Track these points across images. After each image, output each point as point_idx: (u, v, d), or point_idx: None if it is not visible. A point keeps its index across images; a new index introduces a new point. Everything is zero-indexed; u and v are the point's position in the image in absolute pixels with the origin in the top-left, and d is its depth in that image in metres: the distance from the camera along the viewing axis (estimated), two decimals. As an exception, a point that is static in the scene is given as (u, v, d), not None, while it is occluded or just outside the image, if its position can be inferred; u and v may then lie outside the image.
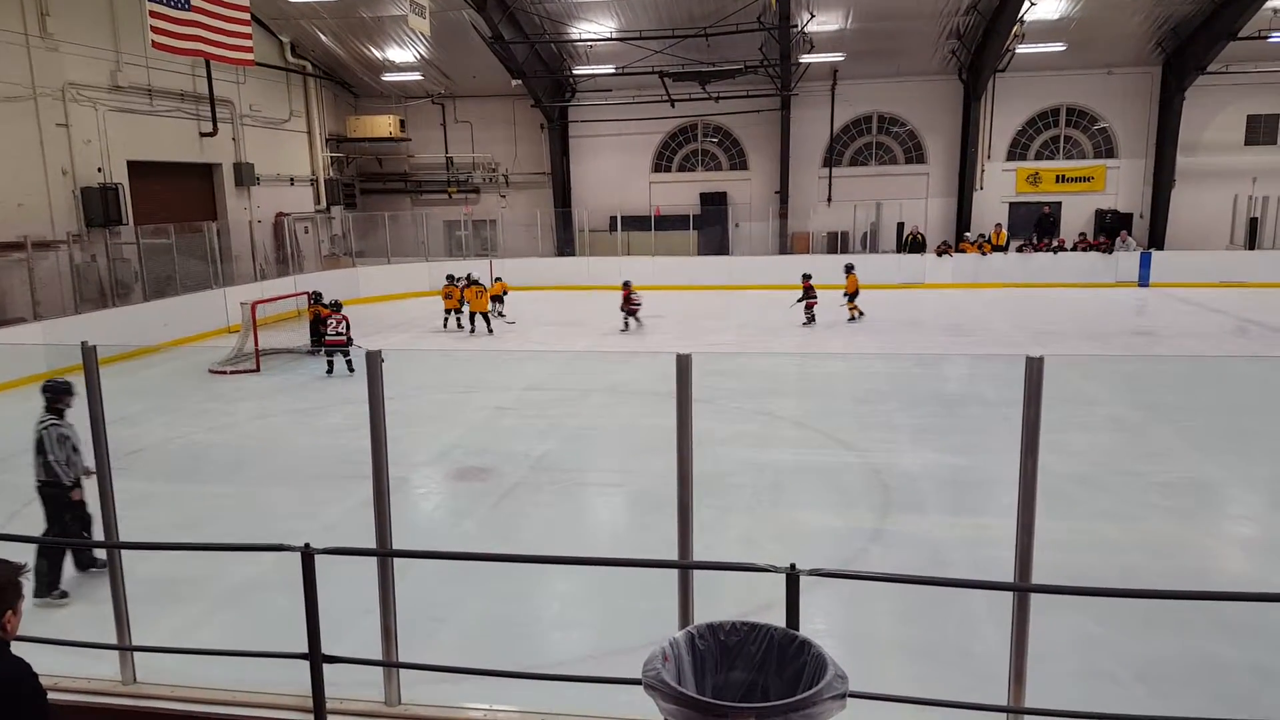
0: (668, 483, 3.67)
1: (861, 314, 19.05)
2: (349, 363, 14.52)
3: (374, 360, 3.59)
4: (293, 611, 3.72)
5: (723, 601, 5.70)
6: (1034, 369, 2.84)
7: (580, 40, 25.09)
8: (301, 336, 16.65)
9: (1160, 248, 25.17)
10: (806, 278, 18.88)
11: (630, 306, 18.93)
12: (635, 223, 28.00)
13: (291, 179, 26.03)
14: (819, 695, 2.08)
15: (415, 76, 27.59)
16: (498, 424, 11.71)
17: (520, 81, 25.63)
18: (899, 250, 26.28)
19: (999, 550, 3.47)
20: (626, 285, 19.28)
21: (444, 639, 5.94)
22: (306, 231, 26.35)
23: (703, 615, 2.80)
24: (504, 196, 29.54)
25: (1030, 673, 3.32)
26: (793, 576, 2.95)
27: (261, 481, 9.62)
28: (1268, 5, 21.15)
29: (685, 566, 3.10)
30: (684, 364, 3.04)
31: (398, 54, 26.36)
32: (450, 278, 19.82)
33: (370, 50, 26.26)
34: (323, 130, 27.31)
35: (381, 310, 21.92)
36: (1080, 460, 9.33)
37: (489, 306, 19.08)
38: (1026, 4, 21.36)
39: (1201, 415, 11.44)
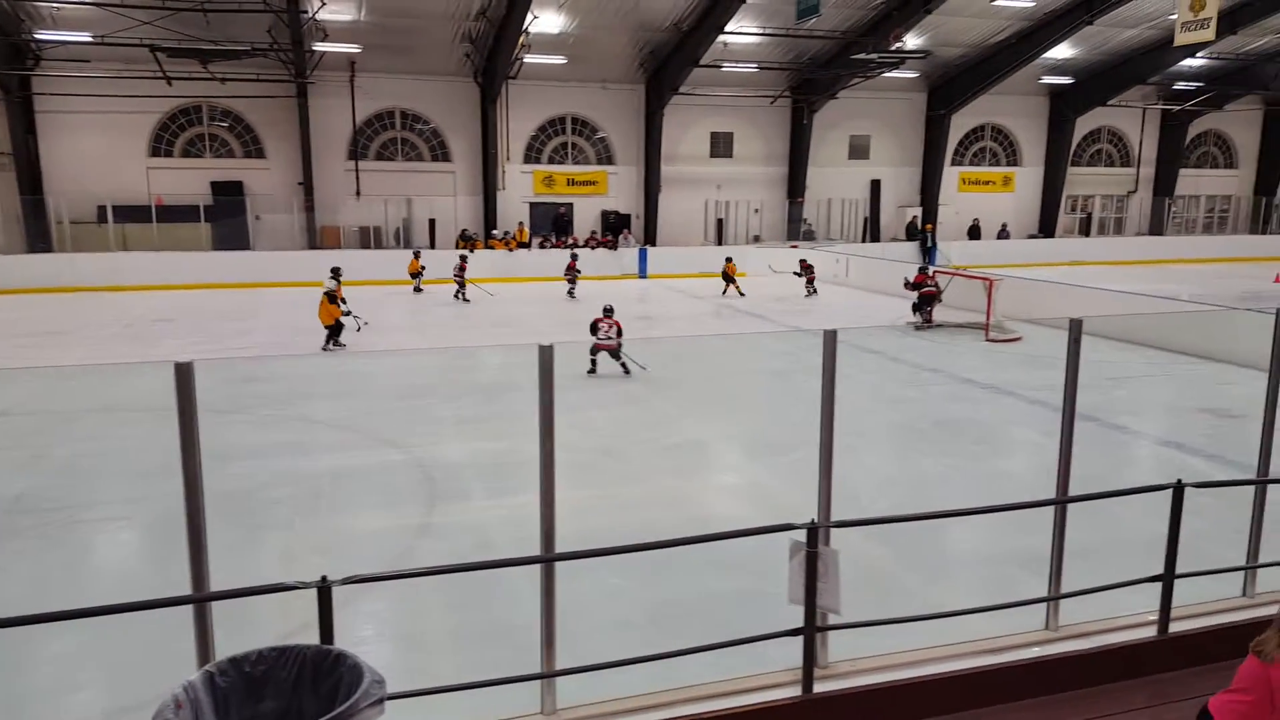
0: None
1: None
2: (624, 365, 13.31)
3: None
4: None
5: (258, 629, 5.29)
6: (546, 356, 3.08)
7: (40, 1, 21.08)
8: None
9: (654, 244, 29.01)
10: (804, 262, 23.60)
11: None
12: (132, 213, 24.48)
13: None
14: (355, 706, 2.04)
15: None
16: (-49, 463, 9.42)
17: (-41, 41, 20.79)
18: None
19: (538, 526, 3.72)
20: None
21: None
22: None
23: (236, 647, 2.57)
24: (-56, 181, 23.74)
25: (565, 633, 3.63)
26: (324, 589, 2.84)
27: None
28: (719, 39, 25.44)
29: (200, 600, 2.81)
30: (184, 373, 2.74)
31: None
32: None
33: None
34: None
35: None
36: (602, 434, 10.40)
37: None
38: (530, 16, 22.96)
39: (691, 386, 13.47)
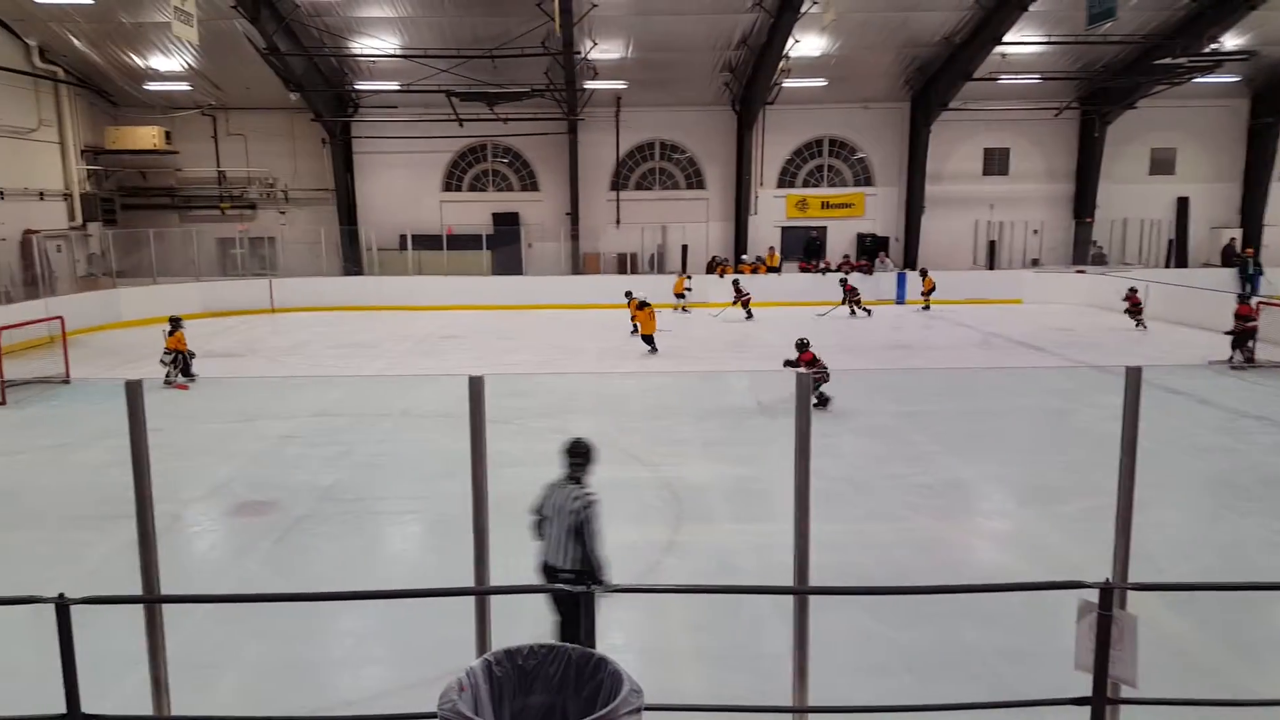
0: (465, 508, 3.63)
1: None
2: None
3: (134, 391, 3.29)
4: (51, 668, 3.38)
5: (522, 625, 5.67)
6: (803, 383, 3.06)
7: (361, 56, 24.29)
8: (55, 364, 14.84)
9: (914, 268, 27.81)
10: (1133, 292, 21.60)
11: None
12: (427, 241, 27.42)
13: (41, 193, 23.42)
14: (615, 712, 2.13)
15: (182, 86, 25.58)
16: (281, 454, 11.01)
17: (299, 95, 24.44)
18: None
19: (783, 554, 3.66)
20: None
21: (223, 687, 5.51)
22: (60, 250, 23.73)
23: (503, 640, 2.78)
24: (283, 213, 27.93)
25: (812, 670, 3.55)
26: (586, 595, 2.99)
27: (11, 527, 8.53)
28: (996, 51, 24.01)
29: (481, 593, 3.06)
30: (476, 386, 3.01)
31: (162, 62, 24.33)
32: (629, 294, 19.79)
33: (131, 57, 24.08)
34: (77, 141, 24.76)
35: (147, 335, 19.95)
36: (849, 465, 10.09)
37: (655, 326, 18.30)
38: (791, 41, 23.01)
39: (953, 421, 12.65)
